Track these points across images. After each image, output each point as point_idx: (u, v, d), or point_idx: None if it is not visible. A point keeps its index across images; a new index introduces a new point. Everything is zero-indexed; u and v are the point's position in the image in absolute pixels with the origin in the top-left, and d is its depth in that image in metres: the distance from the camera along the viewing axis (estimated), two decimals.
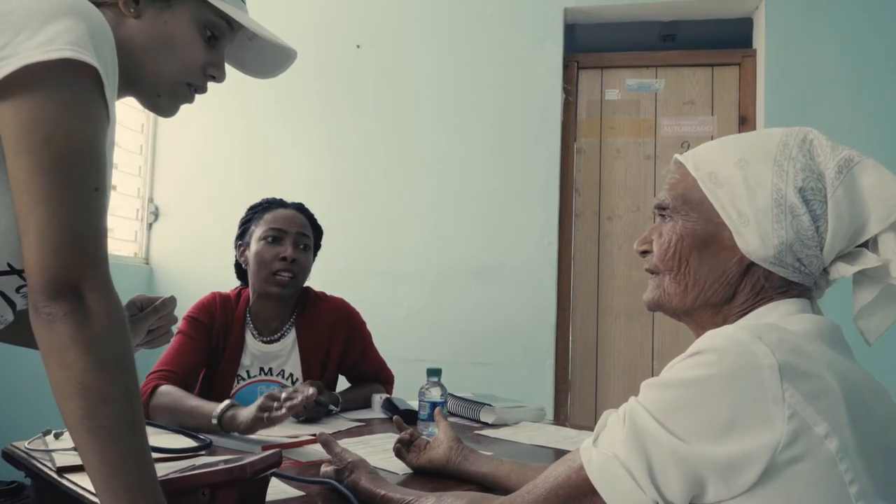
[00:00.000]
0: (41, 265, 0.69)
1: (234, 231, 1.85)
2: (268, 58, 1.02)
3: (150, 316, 1.05)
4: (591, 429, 1.73)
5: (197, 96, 0.96)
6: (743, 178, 0.76)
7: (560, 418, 2.82)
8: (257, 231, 1.76)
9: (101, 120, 0.75)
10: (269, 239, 1.73)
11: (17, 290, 0.82)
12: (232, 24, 0.93)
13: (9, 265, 0.78)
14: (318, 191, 3.07)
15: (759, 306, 0.77)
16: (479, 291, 2.95)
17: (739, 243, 0.76)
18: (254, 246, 1.75)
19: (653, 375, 2.75)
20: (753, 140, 0.80)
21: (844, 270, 0.75)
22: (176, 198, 3.28)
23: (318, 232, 1.86)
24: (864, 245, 0.75)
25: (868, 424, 0.64)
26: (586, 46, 3.33)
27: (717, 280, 0.79)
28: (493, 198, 2.99)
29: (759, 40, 2.90)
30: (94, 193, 0.73)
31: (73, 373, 0.68)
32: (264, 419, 1.29)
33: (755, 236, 0.75)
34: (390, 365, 1.99)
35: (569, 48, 3.06)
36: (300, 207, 1.84)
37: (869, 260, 0.73)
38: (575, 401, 2.97)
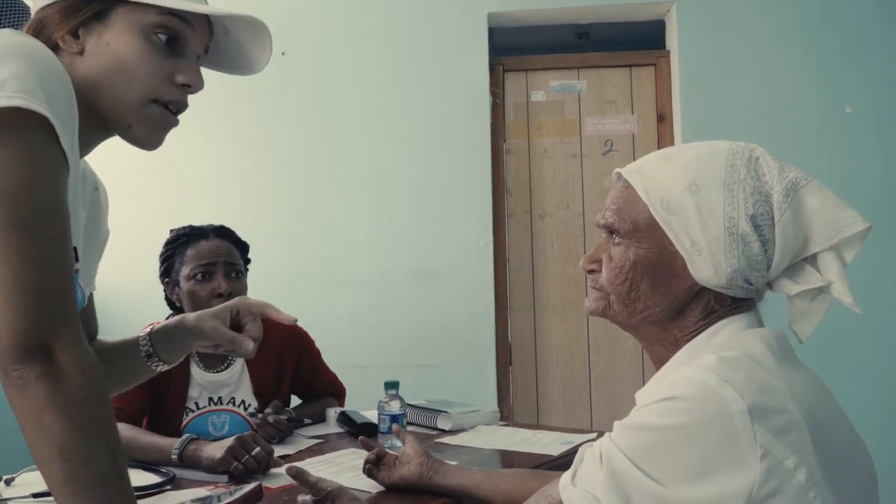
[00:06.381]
0: (8, 328, 0.66)
1: (158, 250, 1.80)
2: (249, 45, 0.91)
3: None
4: (537, 426, 1.81)
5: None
6: (695, 205, 0.77)
7: (504, 415, 2.89)
8: (184, 269, 1.71)
9: (58, 170, 0.71)
10: (199, 276, 1.68)
11: None
12: (190, 21, 0.83)
13: None
14: (246, 204, 3.03)
15: (710, 325, 0.80)
16: (419, 295, 2.99)
17: (692, 271, 0.78)
18: (184, 285, 1.70)
19: (590, 367, 2.83)
20: (701, 160, 0.80)
21: (789, 288, 0.80)
22: None
23: (244, 249, 1.82)
24: (804, 258, 0.80)
25: (827, 442, 0.70)
26: (506, 48, 3.40)
27: (667, 304, 0.81)
28: (428, 201, 3.02)
29: (672, 41, 3.05)
30: (57, 247, 0.70)
31: (51, 436, 0.66)
32: (233, 466, 1.28)
33: (708, 265, 0.77)
34: (335, 373, 1.99)
35: (492, 51, 3.13)
36: (220, 232, 1.78)
37: (813, 280, 0.79)
38: (517, 396, 3.06)
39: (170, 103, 0.85)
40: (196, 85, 0.86)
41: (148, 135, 0.85)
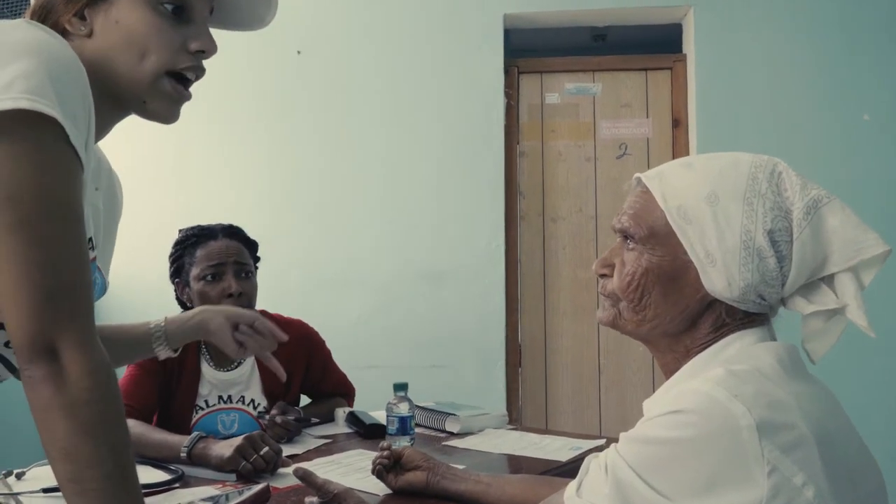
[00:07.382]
0: (18, 328, 0.67)
1: (170, 248, 1.80)
2: (253, 2, 0.91)
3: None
4: (545, 430, 1.80)
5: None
6: (713, 215, 0.76)
7: (513, 417, 2.88)
8: (194, 270, 1.71)
9: (69, 169, 0.70)
10: (209, 277, 1.68)
11: (6, 344, 0.79)
12: None
13: None
14: (259, 204, 3.04)
15: (721, 338, 0.79)
16: (429, 296, 2.99)
17: (705, 282, 0.77)
18: (195, 286, 1.70)
19: (600, 371, 2.82)
20: (723, 170, 0.79)
21: (802, 307, 0.78)
22: None
23: (253, 248, 1.81)
24: (820, 278, 0.79)
25: (835, 458, 0.69)
26: (521, 49, 3.39)
27: (678, 314, 0.80)
28: (439, 202, 3.02)
29: (689, 45, 3.03)
30: (67, 247, 0.70)
31: (56, 436, 0.67)
32: (241, 465, 1.29)
33: (721, 278, 0.76)
34: (344, 373, 1.99)
35: (508, 53, 3.12)
36: (229, 232, 1.77)
37: (828, 300, 0.77)
38: (526, 399, 3.05)
39: (187, 70, 0.84)
40: (210, 50, 0.85)
41: (163, 109, 0.84)
